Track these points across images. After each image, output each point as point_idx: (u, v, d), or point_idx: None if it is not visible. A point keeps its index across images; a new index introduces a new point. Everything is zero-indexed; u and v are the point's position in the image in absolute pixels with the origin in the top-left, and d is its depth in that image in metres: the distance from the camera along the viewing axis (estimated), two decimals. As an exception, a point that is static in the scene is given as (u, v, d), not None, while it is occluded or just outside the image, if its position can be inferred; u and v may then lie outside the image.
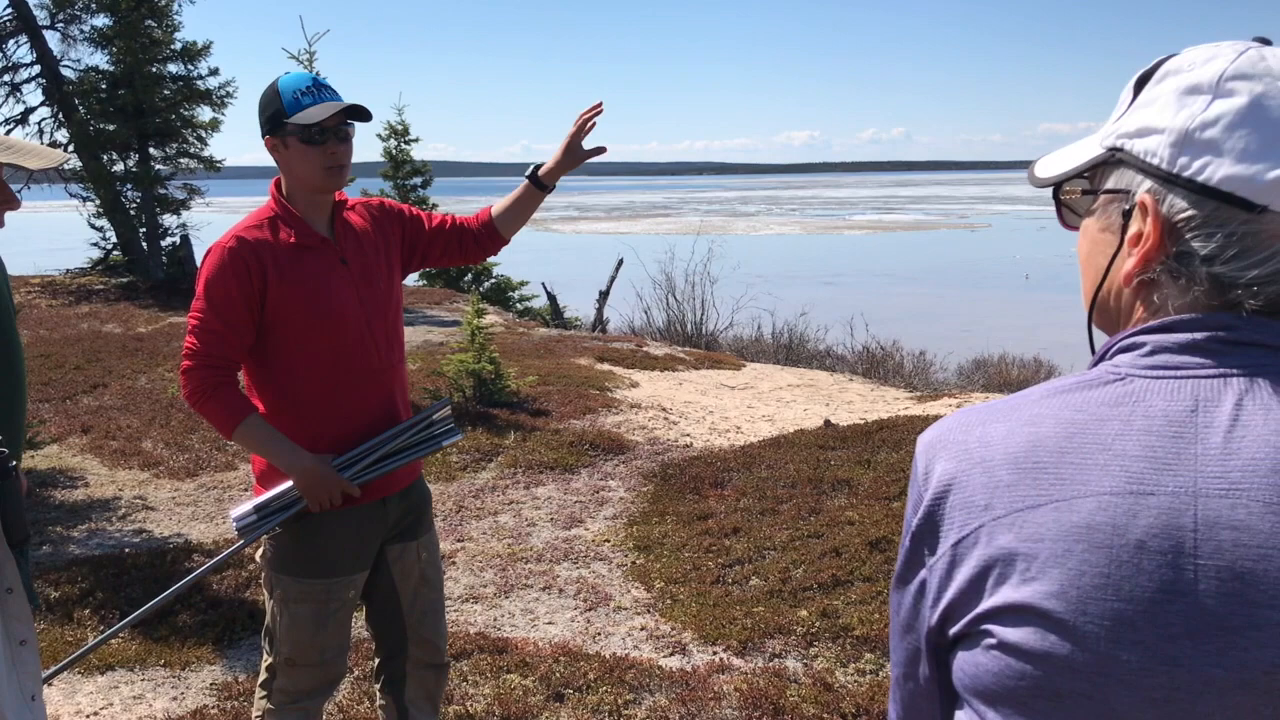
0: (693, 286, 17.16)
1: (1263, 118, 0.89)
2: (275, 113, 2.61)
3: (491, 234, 2.94)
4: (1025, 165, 1.05)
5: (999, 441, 0.94)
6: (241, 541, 2.74)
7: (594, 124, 2.89)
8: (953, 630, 0.96)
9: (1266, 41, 0.94)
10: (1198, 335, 0.90)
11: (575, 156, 2.88)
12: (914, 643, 1.02)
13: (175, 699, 4.05)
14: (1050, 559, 0.87)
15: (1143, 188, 0.94)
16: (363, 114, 2.66)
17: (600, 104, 2.88)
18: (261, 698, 2.82)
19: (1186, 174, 0.90)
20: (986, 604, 0.91)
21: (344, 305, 2.64)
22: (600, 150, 2.90)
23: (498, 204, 2.98)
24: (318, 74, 2.66)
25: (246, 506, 2.71)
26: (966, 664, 0.94)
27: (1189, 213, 0.91)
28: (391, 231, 2.83)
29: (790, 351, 15.74)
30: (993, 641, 0.91)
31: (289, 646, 2.73)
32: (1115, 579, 0.85)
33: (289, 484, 2.64)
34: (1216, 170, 0.89)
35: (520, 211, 2.96)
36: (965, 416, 0.99)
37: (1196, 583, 0.83)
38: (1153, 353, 0.91)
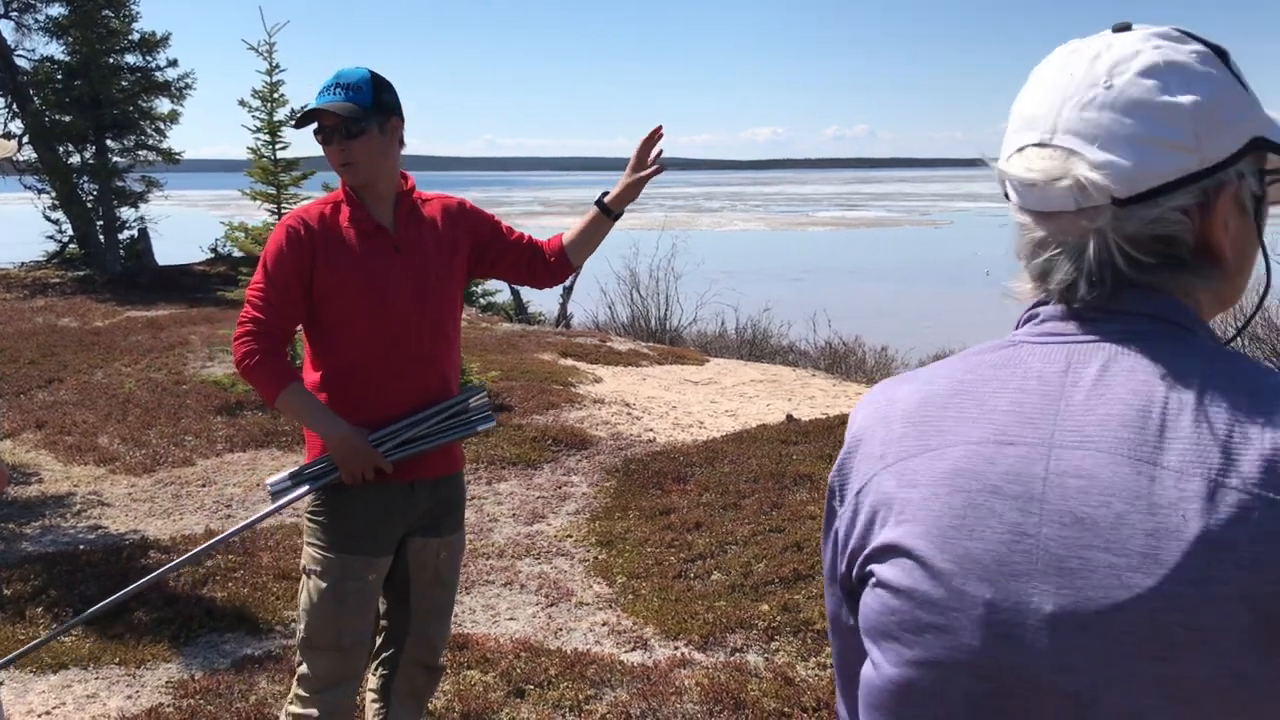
0: (657, 282, 17.15)
1: (1016, 112, 0.97)
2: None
3: (563, 261, 3.01)
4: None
5: (902, 399, 1.02)
6: (274, 505, 2.85)
7: (660, 150, 2.92)
8: (855, 574, 1.01)
9: (1124, 28, 0.96)
10: (1079, 305, 0.95)
11: (640, 181, 2.93)
12: (836, 592, 1.07)
13: (130, 698, 4.00)
14: (920, 502, 0.94)
15: None
16: (327, 114, 2.68)
17: (660, 128, 2.92)
18: (294, 686, 2.90)
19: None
20: (872, 545, 0.98)
21: (389, 292, 2.72)
22: (660, 169, 2.93)
23: (568, 232, 3.03)
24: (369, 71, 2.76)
25: (283, 474, 2.84)
26: (862, 605, 0.99)
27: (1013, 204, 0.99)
28: (463, 231, 2.89)
29: (754, 347, 15.79)
30: (875, 580, 0.97)
31: (307, 624, 2.80)
32: (970, 520, 0.91)
33: (326, 455, 2.74)
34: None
35: (589, 239, 3.01)
36: (888, 380, 1.07)
37: (1041, 526, 0.88)
38: (1042, 321, 0.97)
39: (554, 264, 2.99)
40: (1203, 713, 0.83)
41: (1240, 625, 0.81)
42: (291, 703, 2.87)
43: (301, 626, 2.83)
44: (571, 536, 5.72)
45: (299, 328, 2.83)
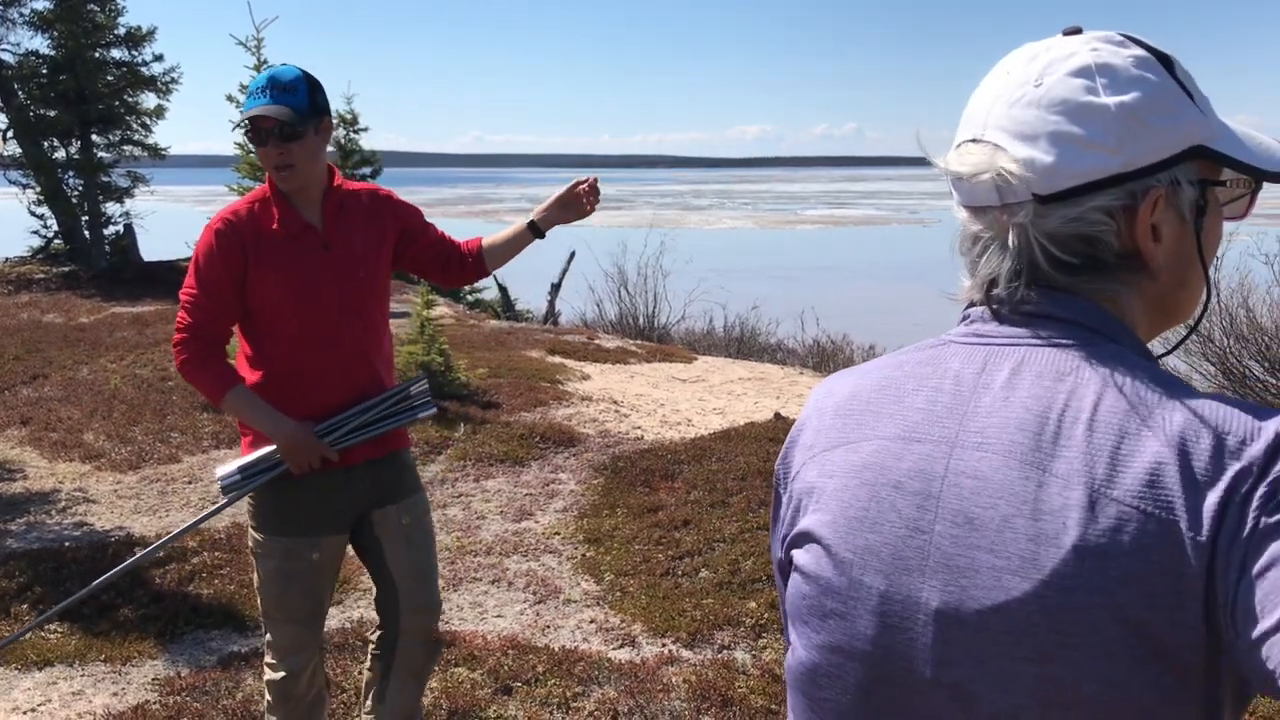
0: (645, 279, 17.16)
1: (964, 111, 1.00)
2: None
3: (479, 263, 3.09)
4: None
5: (837, 391, 1.04)
6: (225, 500, 2.91)
7: (591, 195, 3.03)
8: (785, 558, 1.04)
9: (1074, 31, 0.97)
10: (1000, 308, 0.96)
11: (572, 212, 3.03)
12: (782, 581, 1.09)
13: (116, 695, 3.98)
14: (833, 492, 0.97)
15: None
16: (267, 119, 2.68)
17: (593, 182, 3.06)
18: (266, 651, 3.00)
19: None
20: (794, 531, 1.01)
21: (319, 291, 2.76)
22: (592, 209, 3.05)
23: (490, 238, 3.12)
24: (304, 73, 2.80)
25: (231, 467, 2.87)
26: (787, 588, 1.03)
27: None
28: (388, 224, 2.94)
29: (742, 345, 15.81)
30: (794, 565, 1.01)
31: (262, 600, 2.92)
32: (873, 513, 0.94)
33: (272, 447, 2.79)
34: None
35: (510, 250, 3.10)
36: (838, 372, 1.10)
37: (935, 523, 0.90)
38: (970, 322, 0.99)
39: (471, 264, 3.08)
40: (1075, 717, 0.83)
41: (1111, 635, 0.81)
42: (265, 668, 2.99)
43: (259, 600, 2.94)
44: (559, 534, 5.72)
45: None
